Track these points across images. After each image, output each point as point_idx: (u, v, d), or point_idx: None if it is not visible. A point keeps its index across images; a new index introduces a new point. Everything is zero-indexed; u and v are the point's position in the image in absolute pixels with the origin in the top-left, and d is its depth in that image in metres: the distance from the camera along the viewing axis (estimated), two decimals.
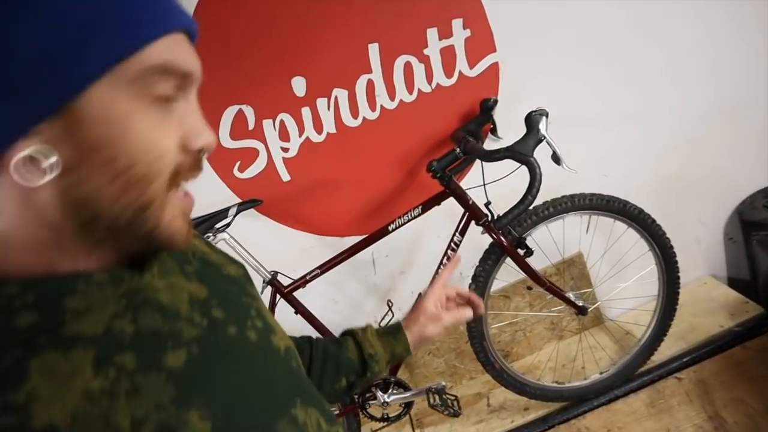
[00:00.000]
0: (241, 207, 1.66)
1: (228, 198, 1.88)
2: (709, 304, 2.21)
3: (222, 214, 1.65)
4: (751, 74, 1.99)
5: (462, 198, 1.69)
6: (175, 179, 0.48)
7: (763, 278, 2.06)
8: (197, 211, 1.73)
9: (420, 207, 1.71)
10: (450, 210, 1.99)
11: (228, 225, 1.67)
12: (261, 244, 1.77)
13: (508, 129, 1.86)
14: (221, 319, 0.56)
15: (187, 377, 0.48)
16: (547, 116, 1.37)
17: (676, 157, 2.08)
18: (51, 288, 0.44)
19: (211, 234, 1.65)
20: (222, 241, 1.68)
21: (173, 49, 0.45)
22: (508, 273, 1.84)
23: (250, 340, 0.57)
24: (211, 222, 1.65)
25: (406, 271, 2.13)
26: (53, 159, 0.41)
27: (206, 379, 0.50)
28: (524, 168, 1.37)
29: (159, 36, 0.44)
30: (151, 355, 0.47)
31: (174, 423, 0.45)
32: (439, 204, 1.71)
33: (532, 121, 1.37)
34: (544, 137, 1.35)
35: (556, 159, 1.37)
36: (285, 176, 1.90)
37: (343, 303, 2.14)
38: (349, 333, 0.96)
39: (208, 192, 1.88)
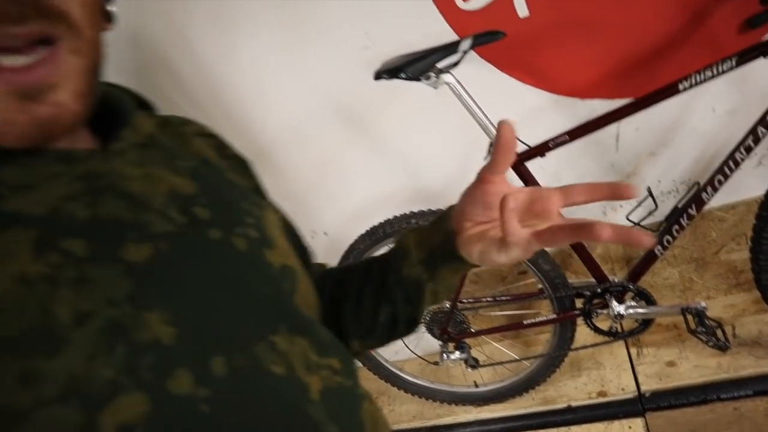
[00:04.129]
0: (478, 40, 1.22)
1: (442, 35, 1.45)
2: None
3: (449, 49, 1.23)
4: None
5: None
6: None
7: None
8: (405, 47, 1.33)
9: (735, 58, 1.17)
10: (743, 74, 1.42)
11: (455, 64, 1.26)
12: (476, 98, 1.35)
13: None
14: (204, 219, 0.48)
15: (149, 274, 0.42)
16: None
17: None
18: None
19: (432, 74, 1.26)
20: (444, 86, 1.28)
21: None
22: None
23: (236, 247, 0.49)
24: (431, 59, 1.24)
25: (657, 153, 1.61)
26: None
27: (174, 281, 0.43)
28: None
29: None
30: (107, 245, 0.42)
31: (128, 322, 0.39)
32: (766, 55, 1.16)
33: None
34: None
35: None
36: (522, 10, 1.42)
37: (568, 183, 1.70)
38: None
39: (418, 23, 1.47)
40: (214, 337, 0.43)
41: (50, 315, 0.37)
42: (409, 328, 0.67)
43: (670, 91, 1.22)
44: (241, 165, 0.61)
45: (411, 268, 0.61)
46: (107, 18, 0.46)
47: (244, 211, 0.53)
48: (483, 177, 0.55)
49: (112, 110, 0.51)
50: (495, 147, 0.52)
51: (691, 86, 1.20)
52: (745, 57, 1.16)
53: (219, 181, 0.55)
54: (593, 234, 0.45)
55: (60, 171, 0.43)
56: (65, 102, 0.40)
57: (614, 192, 0.50)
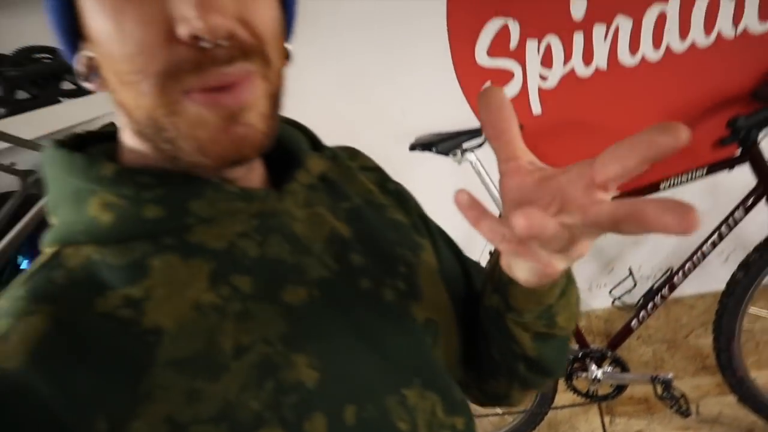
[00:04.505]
0: None
1: (469, 119, 1.72)
2: None
3: (475, 133, 1.49)
4: None
5: (761, 168, 1.39)
6: (176, 82, 0.39)
7: None
8: (432, 125, 1.59)
9: (705, 168, 1.44)
10: (717, 182, 1.69)
11: (479, 146, 1.52)
12: (492, 176, 1.60)
13: None
14: (357, 267, 0.49)
15: (302, 318, 0.44)
16: None
17: None
18: (177, 186, 0.43)
19: (458, 152, 1.51)
20: (467, 163, 1.53)
21: None
22: None
23: (384, 298, 0.49)
24: (458, 140, 1.50)
25: (640, 242, 1.86)
26: (88, 60, 0.42)
27: (322, 326, 0.45)
28: None
29: None
30: (270, 285, 0.44)
31: (278, 360, 0.42)
32: (730, 169, 1.43)
33: None
34: None
35: None
36: (536, 109, 1.70)
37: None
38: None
39: (448, 108, 1.74)
40: (350, 386, 0.44)
41: (215, 343, 0.40)
42: (531, 368, 0.56)
43: (652, 188, 1.47)
44: (401, 199, 0.62)
45: (490, 298, 0.53)
46: (286, 56, 0.48)
47: (398, 258, 0.53)
48: (500, 171, 0.41)
49: (287, 150, 0.53)
50: (483, 125, 0.40)
51: (670, 186, 1.46)
52: (713, 168, 1.43)
53: (378, 222, 0.55)
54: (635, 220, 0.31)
55: (240, 208, 0.45)
56: (255, 123, 0.42)
57: (656, 139, 0.31)
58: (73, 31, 0.41)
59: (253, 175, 0.49)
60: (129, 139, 0.45)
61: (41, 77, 1.41)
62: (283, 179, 0.50)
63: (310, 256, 0.47)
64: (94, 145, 0.49)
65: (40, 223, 1.03)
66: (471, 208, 0.36)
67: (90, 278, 0.41)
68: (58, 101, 1.42)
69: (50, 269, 0.41)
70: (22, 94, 1.35)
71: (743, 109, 1.45)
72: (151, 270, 0.41)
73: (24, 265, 1.23)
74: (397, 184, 0.63)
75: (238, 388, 0.40)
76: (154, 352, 0.39)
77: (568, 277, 0.49)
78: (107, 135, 0.49)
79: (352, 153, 0.63)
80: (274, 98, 0.45)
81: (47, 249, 0.44)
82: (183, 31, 0.37)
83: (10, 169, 1.15)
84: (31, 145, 1.12)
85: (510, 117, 0.39)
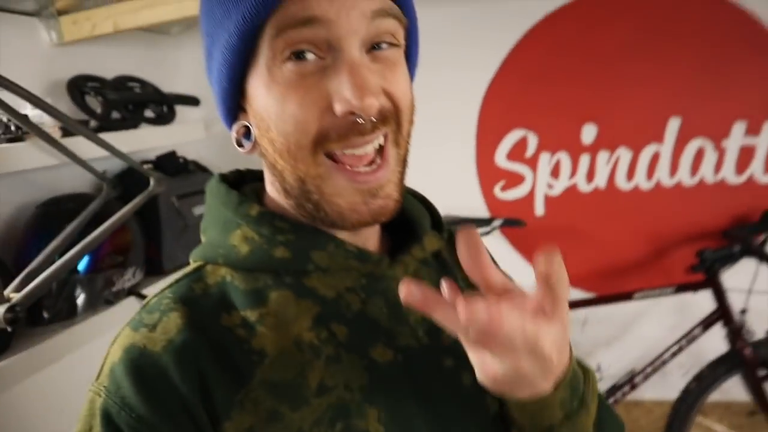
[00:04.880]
0: (507, 222, 1.75)
1: (480, 209, 1.98)
2: None
3: (484, 222, 1.74)
4: None
5: (720, 295, 1.63)
6: (323, 145, 0.45)
7: None
8: (452, 210, 1.84)
9: (674, 287, 1.68)
10: (686, 301, 1.93)
11: (487, 233, 1.76)
12: None
13: None
14: (445, 345, 0.51)
15: (382, 377, 0.47)
16: None
17: None
18: (305, 235, 0.49)
19: None
20: None
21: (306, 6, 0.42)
22: None
23: (462, 382, 0.51)
24: (471, 225, 1.75)
25: (612, 345, 2.08)
26: (243, 128, 0.49)
27: (398, 390, 0.48)
28: None
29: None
30: (362, 340, 0.48)
31: (352, 408, 0.45)
32: (695, 291, 1.67)
33: None
34: None
35: None
36: (539, 210, 1.96)
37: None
38: None
39: (465, 196, 1.99)
40: None
41: (304, 377, 0.45)
42: None
43: (625, 296, 1.71)
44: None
45: (503, 409, 0.51)
46: (413, 122, 0.51)
47: None
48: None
49: (409, 221, 0.56)
50: (462, 260, 0.41)
51: (642, 298, 1.70)
52: (681, 289, 1.68)
53: None
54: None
55: (353, 266, 0.49)
56: (392, 194, 0.47)
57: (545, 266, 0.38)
58: (236, 104, 0.49)
59: (371, 237, 0.54)
60: (272, 190, 0.52)
61: (132, 103, 1.65)
62: (399, 248, 0.54)
63: (404, 325, 0.50)
64: (248, 183, 0.56)
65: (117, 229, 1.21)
66: (425, 304, 0.39)
67: (221, 295, 0.48)
68: (138, 126, 1.65)
69: (193, 280, 0.49)
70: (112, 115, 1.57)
71: (713, 244, 1.70)
72: (269, 301, 0.47)
73: (81, 265, 1.23)
74: (503, 272, 0.59)
75: (312, 421, 0.44)
76: (255, 370, 0.44)
77: (580, 404, 0.47)
78: (260, 175, 0.56)
79: None
80: (404, 163, 0.50)
81: (193, 262, 0.52)
82: (341, 108, 0.43)
83: (101, 176, 1.37)
84: (128, 159, 1.35)
85: (484, 254, 0.41)
